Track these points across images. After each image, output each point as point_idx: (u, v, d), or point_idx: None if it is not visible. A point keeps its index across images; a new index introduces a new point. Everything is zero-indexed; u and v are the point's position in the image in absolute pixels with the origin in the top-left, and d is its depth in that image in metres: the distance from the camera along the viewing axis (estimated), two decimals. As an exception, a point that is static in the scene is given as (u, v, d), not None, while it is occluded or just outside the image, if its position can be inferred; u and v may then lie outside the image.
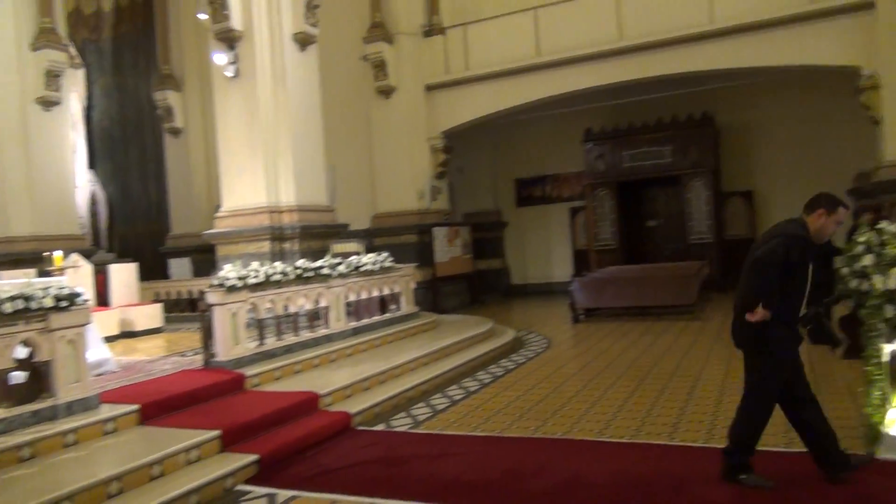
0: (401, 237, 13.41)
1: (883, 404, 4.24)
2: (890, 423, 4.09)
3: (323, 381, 6.48)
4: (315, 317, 7.99)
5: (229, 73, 9.23)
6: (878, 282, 3.14)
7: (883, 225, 4.06)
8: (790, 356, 3.80)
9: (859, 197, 11.58)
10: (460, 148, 15.05)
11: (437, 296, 13.50)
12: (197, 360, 6.94)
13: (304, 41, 9.61)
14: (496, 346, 8.89)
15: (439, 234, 13.87)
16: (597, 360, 8.08)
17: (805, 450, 3.98)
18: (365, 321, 8.60)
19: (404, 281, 9.62)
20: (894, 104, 10.12)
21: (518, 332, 10.24)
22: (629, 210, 15.41)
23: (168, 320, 10.79)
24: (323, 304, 7.96)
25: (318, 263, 7.95)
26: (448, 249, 14.16)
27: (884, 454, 4.13)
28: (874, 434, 4.24)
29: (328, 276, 7.95)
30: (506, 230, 17.03)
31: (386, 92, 13.72)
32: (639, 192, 15.47)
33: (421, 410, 6.31)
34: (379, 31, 13.53)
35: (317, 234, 9.42)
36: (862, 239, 3.96)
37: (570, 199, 16.41)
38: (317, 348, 7.51)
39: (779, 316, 3.63)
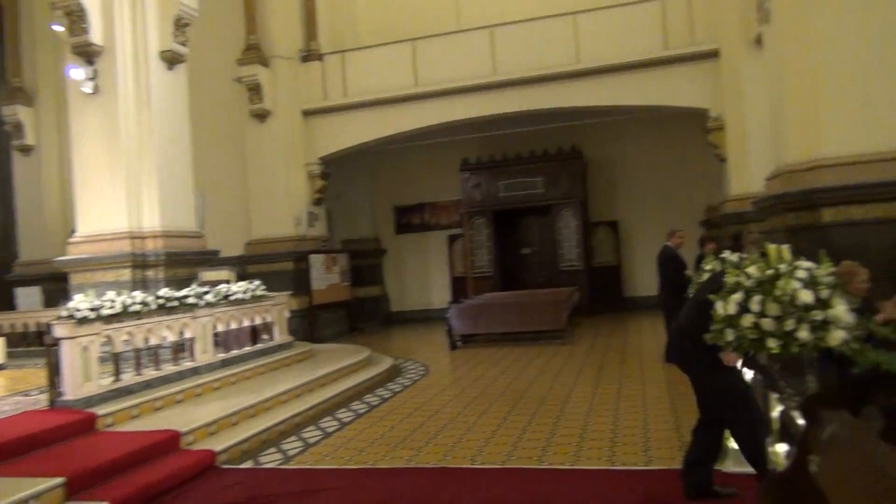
0: (276, 264, 13.03)
1: (729, 421, 4.55)
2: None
3: (186, 418, 6.10)
4: (180, 349, 7.53)
5: (87, 89, 8.64)
6: (720, 307, 3.38)
7: (726, 255, 4.37)
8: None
9: (709, 228, 12.60)
10: (339, 174, 14.93)
11: (313, 324, 13.19)
12: (42, 400, 6.34)
13: (171, 60, 9.19)
14: (373, 375, 8.78)
15: (316, 261, 13.61)
16: (472, 386, 8.17)
17: (666, 467, 4.20)
18: (235, 352, 8.22)
19: (277, 310, 9.32)
20: (737, 144, 11.12)
21: (396, 360, 10.18)
22: (505, 238, 15.87)
23: (12, 356, 9.82)
24: (188, 335, 7.53)
25: (184, 292, 7.53)
26: (325, 277, 13.91)
27: (730, 468, 4.44)
28: (723, 449, 4.54)
29: (194, 306, 7.54)
30: (385, 257, 17.01)
31: (261, 116, 13.39)
32: (514, 220, 15.98)
33: (292, 445, 6.08)
34: (254, 53, 13.23)
35: (184, 262, 8.94)
36: (708, 267, 4.24)
37: (449, 226, 16.68)
38: (181, 382, 7.07)
39: None
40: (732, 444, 4.39)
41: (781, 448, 3.61)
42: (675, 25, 12.09)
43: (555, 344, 10.84)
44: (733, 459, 4.43)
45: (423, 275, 16.93)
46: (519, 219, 16.01)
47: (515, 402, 7.07)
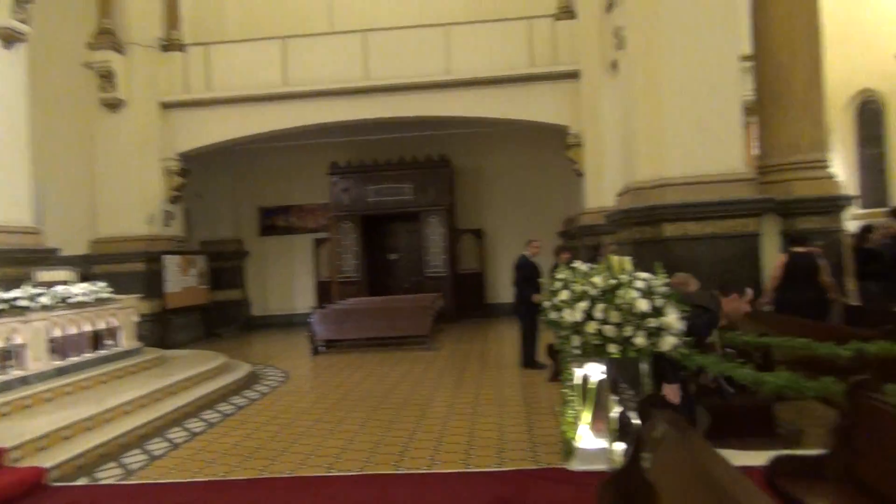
0: (125, 265, 12.16)
1: (576, 422, 4.80)
2: (580, 438, 4.64)
3: (12, 433, 5.52)
4: (6, 357, 6.81)
5: None
6: (568, 315, 3.56)
7: (576, 264, 4.61)
8: None
9: (566, 238, 13.28)
10: (200, 172, 14.23)
11: (166, 329, 12.44)
12: None
13: (9, 38, 8.35)
14: (228, 383, 8.41)
15: (171, 262, 12.86)
16: (332, 392, 8.05)
17: (517, 468, 4.34)
18: (73, 360, 7.56)
19: (124, 313, 8.69)
20: (593, 161, 11.82)
21: (254, 367, 9.82)
22: (372, 243, 15.83)
23: None
24: (19, 341, 6.84)
25: (14, 294, 6.84)
26: (181, 279, 13.17)
27: (576, 465, 4.67)
28: (569, 449, 4.78)
29: (26, 309, 6.87)
30: (247, 260, 16.40)
31: (113, 105, 12.47)
32: (382, 226, 15.99)
33: (135, 458, 5.68)
34: (107, 38, 12.31)
35: (16, 260, 8.12)
36: (560, 276, 4.44)
37: (315, 230, 16.38)
38: (7, 393, 6.39)
39: None
40: (578, 444, 4.64)
41: (619, 446, 3.85)
42: (540, 45, 12.67)
43: (418, 349, 10.94)
44: (580, 458, 4.67)
45: (288, 279, 16.50)
46: (387, 224, 16.04)
47: (375, 408, 7.05)
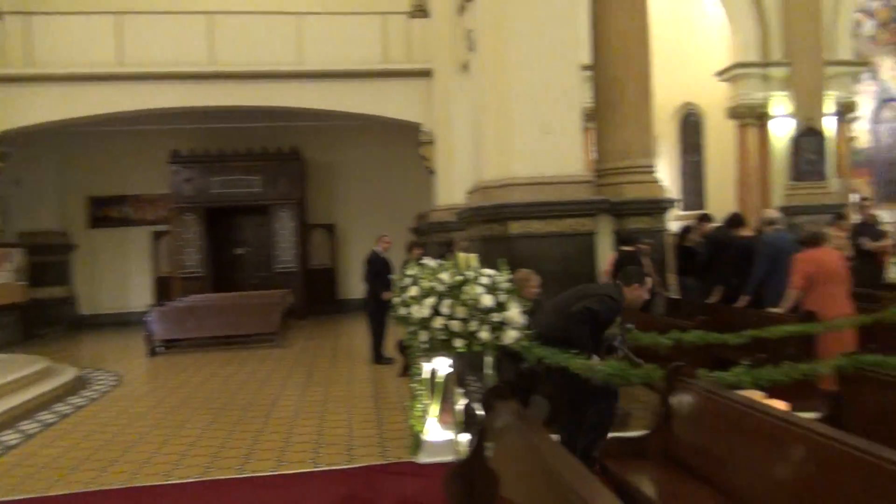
0: (-77, 258, 10.68)
1: (424, 415, 4.88)
2: (428, 431, 4.72)
3: None
4: None
5: None
6: (416, 311, 3.60)
7: (425, 260, 4.67)
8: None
9: (418, 234, 13.45)
10: (20, 156, 12.77)
11: (-25, 331, 11.08)
12: None
13: None
14: (50, 389, 7.64)
15: (-18, 256, 11.47)
16: (171, 395, 7.58)
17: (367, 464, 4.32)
18: None
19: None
20: (444, 158, 12.04)
21: (82, 371, 9.02)
22: (218, 237, 15.09)
23: None
24: None
25: None
26: (-6, 275, 11.79)
27: (424, 458, 4.75)
28: (417, 442, 4.85)
29: None
30: (74, 254, 14.99)
31: None
32: (228, 219, 15.28)
33: (-68, 478, 5.01)
34: None
35: None
36: (410, 272, 4.49)
37: (154, 222, 15.31)
38: None
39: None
40: (425, 437, 4.72)
41: (465, 437, 3.96)
42: (395, 41, 12.71)
43: (266, 347, 10.59)
44: (427, 451, 4.75)
45: (122, 274, 15.29)
46: (234, 217, 15.37)
47: (219, 411, 6.73)
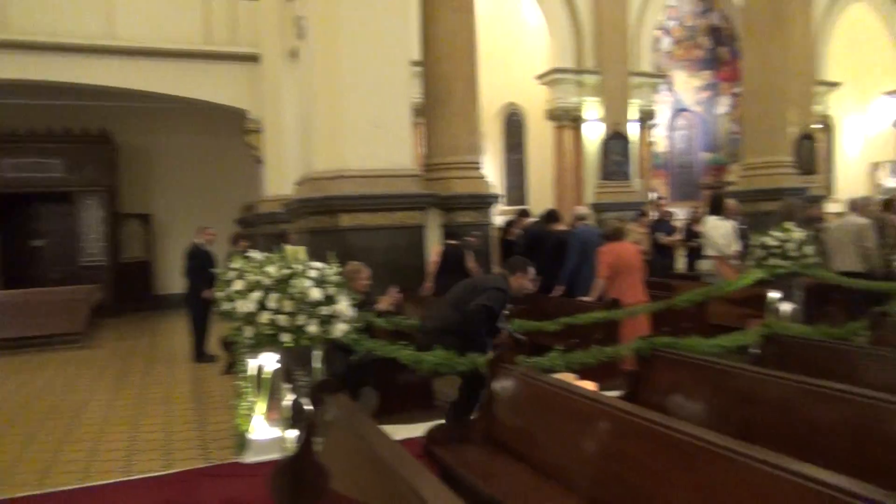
0: None
1: (250, 413, 4.71)
2: (253, 430, 4.57)
3: None
4: None
5: None
6: (241, 305, 3.47)
7: (251, 253, 4.50)
8: None
9: (245, 226, 12.91)
10: None
11: None
12: None
13: None
14: None
15: None
16: (-49, 407, 6.65)
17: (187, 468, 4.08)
18: None
19: None
20: (273, 147, 11.66)
21: None
22: (10, 227, 13.44)
23: None
24: None
25: None
26: None
27: (250, 458, 4.59)
28: (242, 441, 4.68)
29: None
30: None
31: None
32: (22, 206, 13.66)
33: None
34: None
35: None
36: (235, 265, 4.30)
37: (-73, 209, 13.29)
38: None
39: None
40: (251, 436, 4.56)
41: (292, 434, 3.89)
42: (218, 22, 12.04)
43: (71, 349, 9.63)
44: (253, 450, 4.60)
45: None
46: (30, 205, 13.77)
47: (11, 422, 6.01)
